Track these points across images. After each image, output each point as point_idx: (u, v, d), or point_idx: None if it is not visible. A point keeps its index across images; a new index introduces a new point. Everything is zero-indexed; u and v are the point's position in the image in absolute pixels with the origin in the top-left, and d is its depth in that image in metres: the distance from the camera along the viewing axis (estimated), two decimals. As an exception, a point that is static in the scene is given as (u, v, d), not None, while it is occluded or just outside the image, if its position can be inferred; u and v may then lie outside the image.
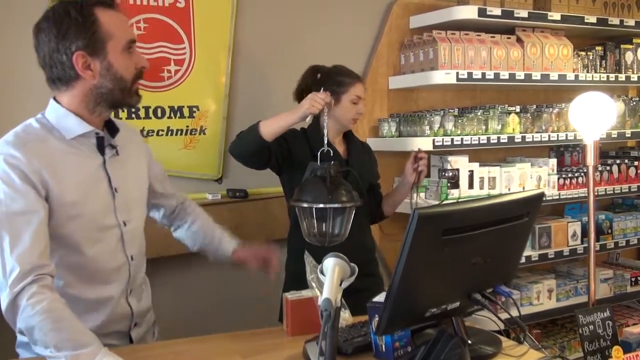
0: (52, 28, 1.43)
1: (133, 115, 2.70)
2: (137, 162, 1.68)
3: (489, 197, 1.50)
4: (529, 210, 1.46)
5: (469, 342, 1.42)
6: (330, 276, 1.25)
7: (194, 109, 2.83)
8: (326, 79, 2.38)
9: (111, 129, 1.58)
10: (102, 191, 1.53)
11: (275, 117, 2.16)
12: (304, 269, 1.64)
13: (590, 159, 1.84)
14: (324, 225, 1.77)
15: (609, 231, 3.41)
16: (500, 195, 1.44)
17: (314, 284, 1.55)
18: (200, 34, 2.83)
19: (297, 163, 2.25)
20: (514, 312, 1.50)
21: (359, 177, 2.15)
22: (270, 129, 2.13)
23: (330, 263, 1.27)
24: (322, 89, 2.17)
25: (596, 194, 3.28)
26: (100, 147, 1.54)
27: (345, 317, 1.60)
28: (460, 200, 2.31)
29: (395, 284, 1.24)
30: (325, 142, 1.92)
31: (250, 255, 1.87)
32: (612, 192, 3.36)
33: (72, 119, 1.49)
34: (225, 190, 2.86)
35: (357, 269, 1.30)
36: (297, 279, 1.97)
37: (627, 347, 1.75)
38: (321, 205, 1.72)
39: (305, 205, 1.75)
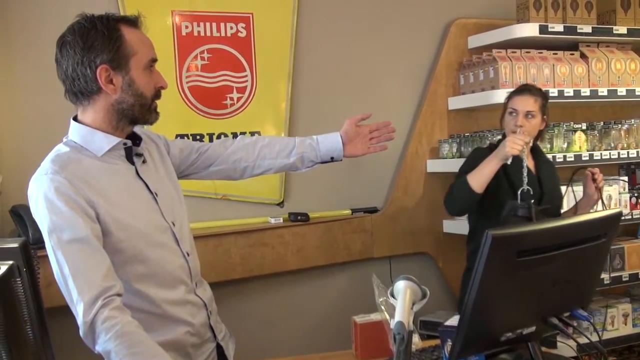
0: (78, 40, 1.45)
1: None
2: (164, 164, 1.69)
3: (564, 217, 1.45)
4: (606, 230, 1.40)
5: (547, 368, 1.37)
6: (402, 299, 1.24)
7: (256, 135, 2.89)
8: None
9: (134, 138, 1.59)
10: (145, 198, 1.55)
11: (479, 168, 2.26)
12: None
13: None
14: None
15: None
16: (576, 215, 1.39)
17: (382, 307, 1.54)
18: (261, 62, 2.90)
19: (497, 200, 2.30)
20: (592, 337, 1.44)
21: (550, 190, 2.34)
22: (478, 181, 2.25)
23: (402, 285, 1.26)
24: (518, 129, 2.27)
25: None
26: (129, 156, 1.55)
27: (415, 341, 1.58)
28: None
29: (469, 307, 1.22)
30: (525, 181, 1.96)
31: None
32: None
33: (98, 135, 1.50)
34: (287, 214, 2.89)
35: (428, 292, 1.29)
36: None
37: None
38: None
39: None
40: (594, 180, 2.40)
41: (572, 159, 2.98)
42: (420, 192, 3.15)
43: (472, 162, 2.41)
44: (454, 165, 3.02)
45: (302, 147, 1.85)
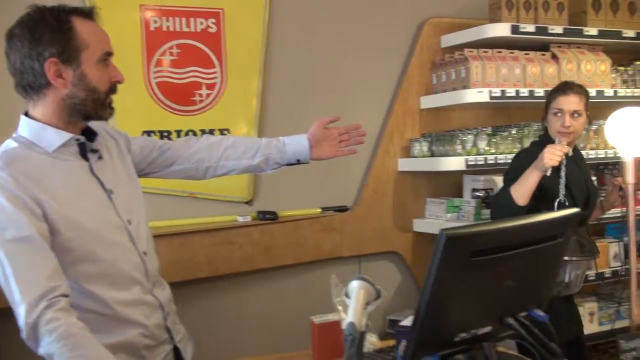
0: (26, 33, 1.40)
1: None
2: (122, 161, 1.63)
3: (522, 217, 1.44)
4: (563, 230, 1.40)
5: (502, 368, 1.36)
6: (355, 299, 1.21)
7: (225, 132, 2.85)
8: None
9: (90, 134, 1.54)
10: (98, 195, 1.50)
11: (520, 181, 2.23)
12: None
13: (629, 176, 1.76)
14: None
15: None
16: (534, 215, 1.38)
17: (339, 307, 1.52)
18: (231, 58, 2.86)
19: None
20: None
21: (594, 189, 2.38)
22: (521, 194, 2.22)
23: (355, 285, 1.24)
24: (557, 139, 2.27)
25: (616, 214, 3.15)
26: (83, 152, 1.50)
27: (373, 341, 1.56)
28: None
29: (423, 307, 1.20)
30: (563, 192, 1.98)
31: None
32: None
33: (49, 130, 1.45)
34: (256, 212, 2.86)
35: (383, 292, 1.27)
36: None
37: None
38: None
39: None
40: (620, 189, 2.39)
41: (542, 159, 2.99)
42: (391, 191, 3.14)
43: (517, 168, 2.36)
44: (425, 164, 3.03)
45: (268, 148, 1.82)
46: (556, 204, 2.02)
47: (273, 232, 2.86)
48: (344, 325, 1.17)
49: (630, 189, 1.78)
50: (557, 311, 1.76)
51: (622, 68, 3.27)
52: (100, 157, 1.55)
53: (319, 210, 3.03)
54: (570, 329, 2.38)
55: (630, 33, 3.20)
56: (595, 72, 3.13)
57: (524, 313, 1.44)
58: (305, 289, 2.95)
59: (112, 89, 1.52)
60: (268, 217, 2.84)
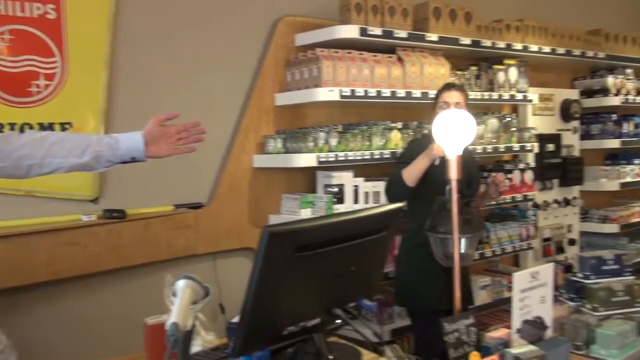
0: None
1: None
2: None
3: (346, 212, 1.51)
4: (387, 224, 1.50)
5: (330, 357, 1.43)
6: (180, 299, 1.21)
7: (66, 126, 2.68)
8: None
9: None
10: None
11: (412, 165, 2.62)
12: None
13: (453, 173, 1.93)
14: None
15: (487, 240, 3.60)
16: (359, 210, 1.45)
17: (171, 307, 1.50)
18: (73, 48, 2.70)
19: (429, 186, 2.65)
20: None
21: (475, 175, 2.85)
22: (410, 176, 2.63)
23: (181, 285, 1.23)
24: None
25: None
26: None
27: (210, 339, 1.56)
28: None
29: (249, 303, 1.22)
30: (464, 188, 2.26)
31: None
32: (488, 203, 3.55)
33: None
34: (102, 211, 2.73)
35: (211, 290, 1.27)
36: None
37: (487, 352, 1.83)
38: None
39: (441, 236, 2.26)
40: (496, 185, 2.90)
41: (389, 155, 3.17)
42: (246, 187, 3.15)
43: (409, 153, 2.79)
44: (280, 160, 3.07)
45: (99, 145, 1.74)
46: (447, 189, 2.18)
47: (121, 231, 2.74)
48: (167, 326, 1.16)
49: (453, 184, 1.94)
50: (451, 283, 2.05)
51: (459, 72, 3.55)
52: None
53: (172, 207, 2.96)
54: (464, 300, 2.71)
55: (467, 40, 3.48)
56: (436, 75, 3.36)
57: (352, 303, 1.52)
58: (158, 289, 2.85)
59: None
60: (115, 215, 2.72)
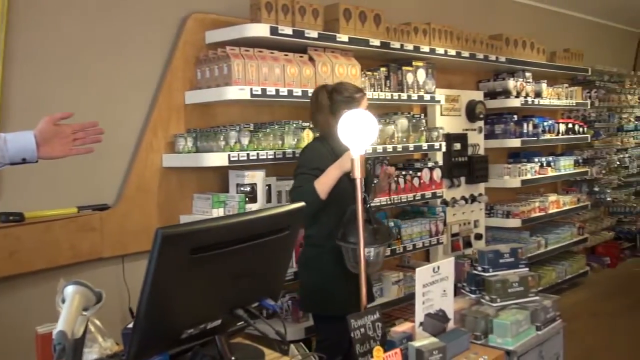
0: None
1: None
2: None
3: (246, 212, 1.51)
4: (290, 223, 1.50)
5: (232, 358, 1.42)
6: (68, 306, 1.15)
7: (-46, 124, 2.50)
8: (338, 96, 2.72)
9: None
10: None
11: (324, 177, 2.54)
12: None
13: (357, 172, 1.97)
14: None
15: (399, 237, 3.71)
16: (259, 210, 1.45)
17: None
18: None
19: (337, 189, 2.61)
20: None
21: (369, 173, 2.83)
22: (323, 189, 2.53)
23: (70, 291, 1.18)
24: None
25: (384, 203, 3.57)
26: None
27: (108, 345, 1.51)
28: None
29: (143, 307, 1.19)
30: (364, 190, 2.11)
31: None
32: (399, 200, 3.66)
33: None
34: (-4, 214, 2.56)
35: (103, 295, 1.23)
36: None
37: (392, 346, 1.89)
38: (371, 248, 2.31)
39: (352, 246, 2.32)
40: (389, 177, 2.84)
41: (301, 155, 3.18)
42: (155, 187, 3.07)
43: (311, 161, 2.65)
44: (190, 160, 3.01)
45: None
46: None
47: (19, 235, 2.59)
48: (54, 335, 1.11)
49: (358, 183, 1.98)
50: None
51: (370, 73, 3.63)
52: None
53: (76, 209, 2.83)
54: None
55: (376, 42, 3.56)
56: (347, 75, 3.42)
57: (255, 304, 1.52)
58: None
59: None
60: (12, 219, 2.56)
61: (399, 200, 3.68)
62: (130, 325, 1.33)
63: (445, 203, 4.36)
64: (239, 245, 1.33)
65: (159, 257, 1.16)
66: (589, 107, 6.11)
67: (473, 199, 4.63)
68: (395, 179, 3.60)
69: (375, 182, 2.94)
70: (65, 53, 2.80)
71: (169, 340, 1.30)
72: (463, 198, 4.54)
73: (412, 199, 3.77)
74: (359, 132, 1.95)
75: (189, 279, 1.26)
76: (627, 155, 7.06)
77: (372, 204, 3.00)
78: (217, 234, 1.27)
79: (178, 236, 1.19)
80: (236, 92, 2.94)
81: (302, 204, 1.56)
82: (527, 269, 2.44)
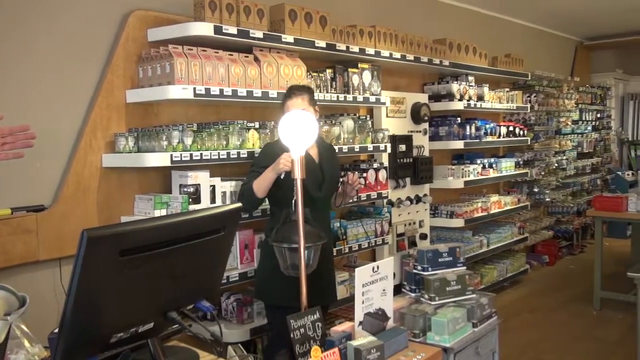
0: None
1: None
2: None
3: (178, 213, 1.49)
4: (225, 224, 1.49)
5: (165, 362, 1.40)
6: (-12, 311, 1.11)
7: None
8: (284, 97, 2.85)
9: None
10: None
11: (260, 178, 2.67)
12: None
13: (297, 172, 1.97)
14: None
15: (344, 237, 3.73)
16: (192, 211, 1.43)
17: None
18: None
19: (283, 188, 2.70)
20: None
21: (330, 175, 2.86)
22: (261, 189, 2.68)
23: (-10, 296, 1.13)
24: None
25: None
26: None
27: (36, 351, 1.46)
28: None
29: (69, 311, 1.16)
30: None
31: None
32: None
33: None
34: None
35: (27, 299, 1.19)
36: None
37: (331, 345, 1.90)
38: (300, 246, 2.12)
39: (285, 245, 2.31)
40: (351, 184, 2.92)
41: (246, 155, 3.16)
42: (95, 188, 2.98)
43: (262, 159, 2.80)
44: (131, 160, 2.94)
45: None
46: (293, 201, 2.26)
47: (-53, 238, 2.48)
48: (-29, 341, 1.06)
49: (298, 184, 1.99)
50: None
51: (315, 74, 3.64)
52: None
53: (9, 211, 2.72)
54: (326, 296, 2.92)
55: (322, 43, 3.58)
56: (292, 76, 3.42)
57: (191, 306, 1.50)
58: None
59: None
60: (-62, 221, 2.45)
61: (349, 201, 3.70)
62: (57, 330, 1.29)
63: (390, 203, 4.43)
64: (171, 246, 1.31)
65: (85, 259, 1.13)
66: (528, 110, 6.34)
67: (418, 199, 4.71)
68: (360, 185, 3.45)
69: (339, 186, 2.98)
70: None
71: (98, 345, 1.27)
72: (408, 198, 4.62)
73: (357, 199, 3.80)
74: (298, 133, 1.95)
75: (119, 281, 1.23)
76: (564, 158, 7.35)
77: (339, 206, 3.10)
78: (148, 236, 1.25)
79: (105, 238, 1.16)
80: (179, 92, 2.90)
81: (238, 205, 1.55)
82: (464, 267, 2.50)
